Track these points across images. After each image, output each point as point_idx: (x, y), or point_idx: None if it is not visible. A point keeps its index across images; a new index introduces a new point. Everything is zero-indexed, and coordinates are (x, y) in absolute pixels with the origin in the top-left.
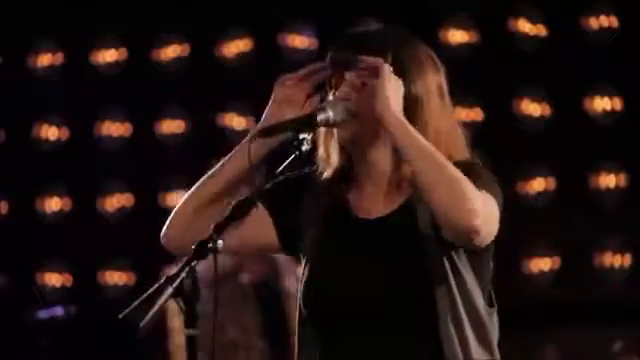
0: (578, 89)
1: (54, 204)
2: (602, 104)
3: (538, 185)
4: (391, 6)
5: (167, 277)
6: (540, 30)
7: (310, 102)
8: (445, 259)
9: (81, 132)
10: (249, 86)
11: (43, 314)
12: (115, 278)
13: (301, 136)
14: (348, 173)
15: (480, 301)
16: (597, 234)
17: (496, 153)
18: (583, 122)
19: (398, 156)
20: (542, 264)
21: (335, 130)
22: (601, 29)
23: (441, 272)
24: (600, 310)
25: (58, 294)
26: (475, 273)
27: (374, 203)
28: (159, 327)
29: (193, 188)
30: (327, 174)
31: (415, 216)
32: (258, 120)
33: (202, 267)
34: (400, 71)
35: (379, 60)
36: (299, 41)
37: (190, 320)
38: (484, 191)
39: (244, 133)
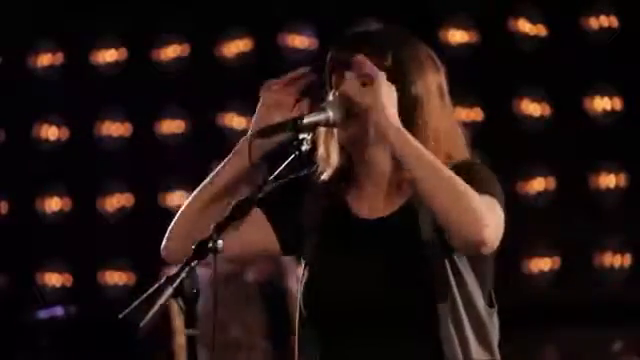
0: (578, 89)
1: (54, 204)
2: (602, 104)
3: (538, 185)
4: (391, 6)
5: (167, 277)
6: (540, 30)
7: (299, 105)
8: (446, 260)
9: (81, 132)
10: (249, 86)
11: (43, 314)
12: (115, 278)
13: (301, 136)
14: (348, 173)
15: (480, 301)
16: (597, 234)
17: (496, 153)
18: (583, 122)
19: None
20: (542, 264)
21: (335, 130)
22: (601, 29)
23: (441, 273)
24: (600, 310)
25: (58, 294)
26: (476, 274)
27: (374, 203)
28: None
29: (190, 197)
30: (327, 174)
31: (416, 217)
32: None
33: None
34: (400, 71)
35: (374, 68)
36: (299, 41)
37: (190, 320)
38: (487, 195)
39: (244, 133)
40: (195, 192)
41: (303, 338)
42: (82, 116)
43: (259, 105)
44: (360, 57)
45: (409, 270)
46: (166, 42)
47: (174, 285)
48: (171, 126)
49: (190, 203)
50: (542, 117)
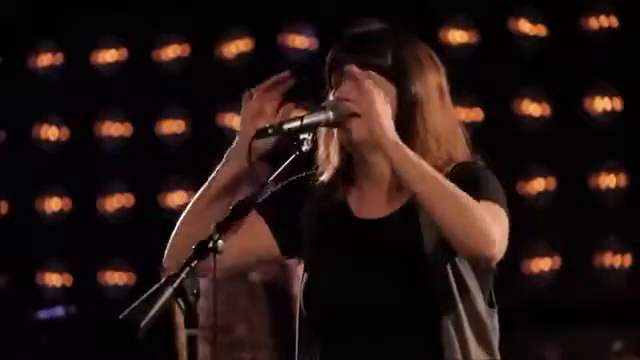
0: (578, 89)
1: (54, 204)
2: (602, 104)
3: (538, 185)
4: (391, 6)
5: (167, 277)
6: (540, 30)
7: (283, 109)
8: (446, 261)
9: (81, 132)
10: (249, 86)
11: (43, 314)
12: (115, 278)
13: (301, 136)
14: (348, 174)
15: (481, 302)
16: (597, 234)
17: (496, 153)
18: (583, 122)
19: None
20: (542, 264)
21: (335, 130)
22: (601, 29)
23: (442, 274)
24: (600, 310)
25: (58, 294)
26: (476, 274)
27: (374, 204)
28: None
29: (188, 206)
30: (327, 174)
31: (416, 217)
32: None
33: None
34: (400, 71)
35: (368, 81)
36: (299, 41)
37: (190, 320)
38: (490, 202)
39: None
40: (190, 203)
41: (303, 338)
42: (82, 116)
43: (242, 113)
44: (353, 67)
45: (409, 271)
46: (166, 42)
47: (174, 285)
48: (171, 126)
49: (187, 212)
50: (542, 117)
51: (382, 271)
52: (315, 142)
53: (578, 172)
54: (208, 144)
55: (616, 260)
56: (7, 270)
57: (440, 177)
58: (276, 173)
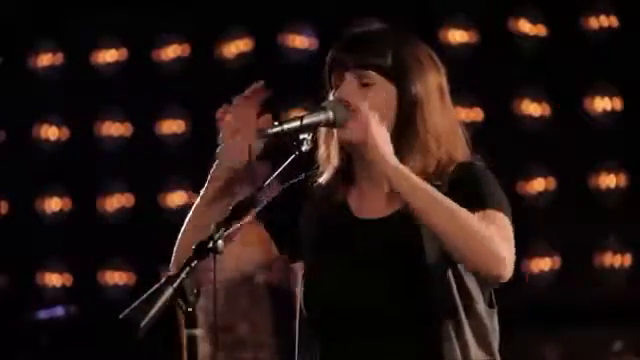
0: (578, 89)
1: (54, 204)
2: (602, 104)
3: (538, 185)
4: (391, 6)
5: (167, 277)
6: (540, 30)
7: (262, 120)
8: (446, 261)
9: (81, 132)
10: (249, 86)
11: (43, 314)
12: (115, 278)
13: (301, 136)
14: (348, 174)
15: (481, 303)
16: (597, 234)
17: (496, 153)
18: (583, 122)
19: (399, 155)
20: (542, 264)
21: (335, 130)
22: (601, 29)
23: (442, 275)
24: (600, 310)
25: (58, 294)
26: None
27: (375, 204)
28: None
29: (189, 215)
30: (327, 174)
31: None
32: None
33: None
34: (400, 71)
35: (363, 104)
36: (299, 41)
37: (190, 320)
38: (495, 211)
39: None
40: (191, 211)
41: (303, 338)
42: (82, 116)
43: (220, 135)
44: (348, 89)
45: (409, 271)
46: (166, 42)
47: (174, 285)
48: (171, 126)
49: (189, 220)
50: (542, 117)
51: (382, 271)
52: (315, 142)
53: (578, 172)
54: (208, 144)
55: (616, 260)
56: (7, 270)
57: (445, 200)
58: (276, 173)
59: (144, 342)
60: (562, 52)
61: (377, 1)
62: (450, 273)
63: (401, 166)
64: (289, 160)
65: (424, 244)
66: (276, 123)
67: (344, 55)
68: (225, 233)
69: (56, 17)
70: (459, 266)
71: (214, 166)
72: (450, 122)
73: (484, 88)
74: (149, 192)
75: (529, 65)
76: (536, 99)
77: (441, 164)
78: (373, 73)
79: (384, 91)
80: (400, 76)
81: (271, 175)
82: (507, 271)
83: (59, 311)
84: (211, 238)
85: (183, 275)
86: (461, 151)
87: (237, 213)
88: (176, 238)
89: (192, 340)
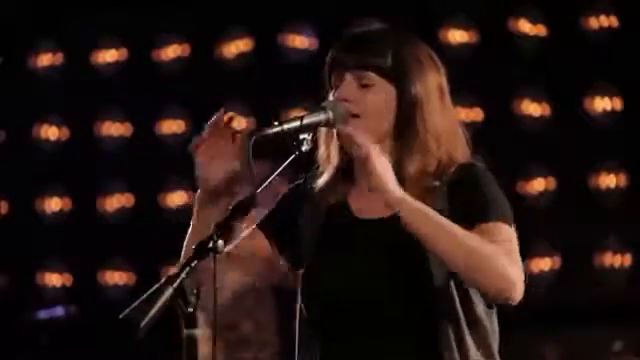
0: (578, 89)
1: (54, 204)
2: (602, 104)
3: (538, 185)
4: (391, 6)
5: (167, 277)
6: (540, 30)
7: (237, 138)
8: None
9: (81, 132)
10: (249, 86)
11: (43, 314)
12: (115, 278)
13: (301, 136)
14: (349, 173)
15: (480, 304)
16: (597, 234)
17: (496, 153)
18: (583, 122)
19: (399, 155)
20: (542, 264)
21: (335, 130)
22: (601, 29)
23: (441, 275)
24: (600, 310)
25: (58, 294)
26: None
27: (375, 204)
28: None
29: (192, 222)
30: (327, 174)
31: None
32: (258, 120)
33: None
34: (400, 71)
35: (363, 137)
36: (299, 41)
37: (190, 320)
38: (500, 222)
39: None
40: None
41: (303, 338)
42: (82, 116)
43: (198, 168)
44: (349, 129)
45: (409, 272)
46: (166, 42)
47: (174, 285)
48: (171, 126)
49: (192, 227)
50: (542, 117)
51: (382, 272)
52: (315, 142)
53: (578, 172)
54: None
55: (616, 260)
56: (7, 270)
57: (452, 226)
58: (276, 173)
59: (144, 342)
60: (562, 52)
61: (377, 1)
62: (450, 274)
63: (406, 196)
64: (289, 160)
65: (424, 246)
66: (276, 123)
67: (344, 55)
68: (226, 249)
69: (56, 17)
70: None
71: (198, 191)
72: (450, 122)
73: (484, 88)
74: (149, 192)
75: (529, 65)
76: (536, 99)
77: (441, 164)
78: (372, 74)
79: (383, 92)
80: (400, 76)
81: (271, 175)
82: (517, 293)
83: (59, 311)
84: (211, 238)
85: (183, 275)
86: (461, 151)
87: (237, 213)
88: (176, 238)
89: (192, 340)
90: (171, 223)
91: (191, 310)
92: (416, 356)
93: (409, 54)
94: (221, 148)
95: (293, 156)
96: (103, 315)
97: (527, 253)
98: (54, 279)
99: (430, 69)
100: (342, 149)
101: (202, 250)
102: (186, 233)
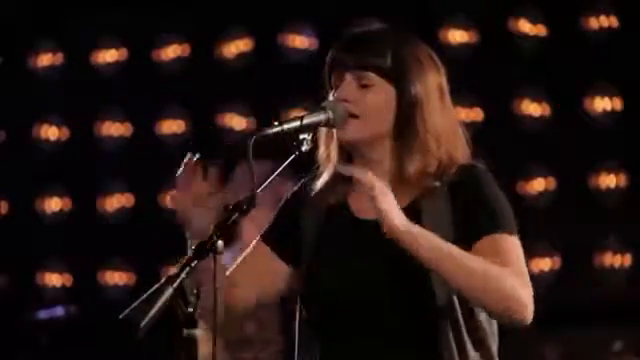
0: (578, 89)
1: (54, 204)
2: (602, 104)
3: (538, 185)
4: (391, 6)
5: (167, 277)
6: (540, 30)
7: (210, 172)
8: None
9: (81, 132)
10: (249, 86)
11: (43, 314)
12: (115, 278)
13: (301, 136)
14: None
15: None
16: (597, 234)
17: (496, 153)
18: (583, 122)
19: (399, 155)
20: (542, 264)
21: (335, 130)
22: (601, 29)
23: (442, 277)
24: (600, 310)
25: (58, 294)
26: None
27: None
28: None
29: None
30: (328, 174)
31: (418, 219)
32: (258, 120)
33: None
34: (400, 71)
35: (371, 182)
36: (299, 41)
37: (190, 320)
38: (506, 233)
39: (244, 133)
40: None
41: (303, 339)
42: (82, 116)
43: (186, 224)
44: (351, 169)
45: (408, 272)
46: (166, 42)
47: (174, 285)
48: (171, 126)
49: None
50: (542, 117)
51: (381, 272)
52: (315, 142)
53: (578, 172)
54: (208, 144)
55: (616, 260)
56: (7, 270)
57: (463, 255)
58: (276, 173)
59: (144, 342)
60: (562, 52)
61: (377, 1)
62: None
63: (413, 229)
64: (289, 160)
65: None
66: (276, 123)
67: (344, 55)
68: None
69: (56, 17)
70: None
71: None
72: (450, 122)
73: (484, 88)
74: (149, 192)
75: (529, 65)
76: (536, 99)
77: (442, 164)
78: (372, 74)
79: (383, 92)
80: (400, 76)
81: (271, 175)
82: (529, 314)
83: (59, 311)
84: (211, 238)
85: (183, 275)
86: (461, 151)
87: (236, 214)
88: (176, 238)
89: (192, 340)
90: (171, 223)
91: (191, 310)
92: (416, 356)
93: (409, 54)
94: (197, 191)
95: (293, 156)
96: (103, 315)
97: (527, 253)
98: (54, 279)
99: (430, 69)
100: (342, 149)
101: (202, 250)
102: (186, 233)
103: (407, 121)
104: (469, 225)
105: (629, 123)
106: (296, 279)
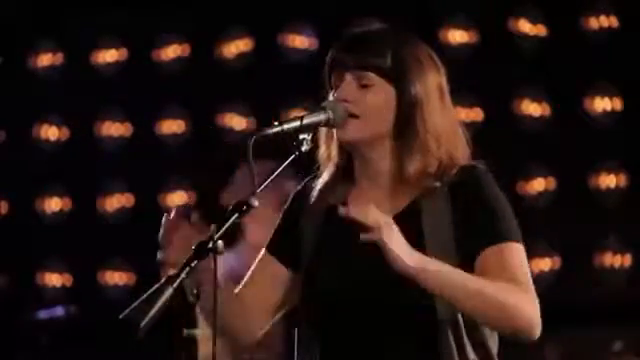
0: (578, 89)
1: (54, 204)
2: (602, 104)
3: (538, 185)
4: (391, 6)
5: (167, 277)
6: (540, 30)
7: (192, 219)
8: (446, 263)
9: (81, 132)
10: (249, 86)
11: (43, 314)
12: (115, 278)
13: (301, 136)
14: (348, 173)
15: None
16: (597, 234)
17: (496, 153)
18: (583, 122)
19: (399, 155)
20: (542, 264)
21: (335, 130)
22: (601, 29)
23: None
24: (600, 310)
25: (58, 294)
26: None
27: (376, 204)
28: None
29: None
30: (328, 174)
31: (419, 220)
32: (258, 120)
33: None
34: (400, 71)
35: (372, 213)
36: (299, 41)
37: (190, 320)
38: (511, 242)
39: (244, 133)
40: None
41: (302, 339)
42: (82, 116)
43: (169, 268)
44: (355, 211)
45: None
46: (166, 42)
47: (174, 285)
48: (171, 126)
49: None
50: (542, 117)
51: (381, 272)
52: (315, 142)
53: (578, 172)
54: (208, 144)
55: (616, 260)
56: (7, 270)
57: (474, 282)
58: (276, 173)
59: (144, 342)
60: (562, 52)
61: (377, 1)
62: None
63: (422, 262)
64: (289, 160)
65: (425, 247)
66: (276, 123)
67: (344, 55)
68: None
69: (56, 17)
70: (459, 269)
71: None
72: (450, 122)
73: (484, 88)
74: (149, 192)
75: (529, 65)
76: (536, 99)
77: (442, 165)
78: (372, 74)
79: (383, 92)
80: (400, 76)
81: (271, 175)
82: (537, 331)
83: (59, 311)
84: (211, 238)
85: (183, 275)
86: (461, 151)
87: (236, 213)
88: None
89: (192, 340)
90: None
91: (191, 310)
92: (415, 357)
93: (409, 54)
94: (185, 235)
95: (293, 156)
96: (103, 315)
97: (527, 253)
98: (54, 279)
99: (430, 69)
100: (342, 149)
101: (202, 250)
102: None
103: (407, 121)
104: (474, 236)
105: (629, 123)
106: (297, 283)
